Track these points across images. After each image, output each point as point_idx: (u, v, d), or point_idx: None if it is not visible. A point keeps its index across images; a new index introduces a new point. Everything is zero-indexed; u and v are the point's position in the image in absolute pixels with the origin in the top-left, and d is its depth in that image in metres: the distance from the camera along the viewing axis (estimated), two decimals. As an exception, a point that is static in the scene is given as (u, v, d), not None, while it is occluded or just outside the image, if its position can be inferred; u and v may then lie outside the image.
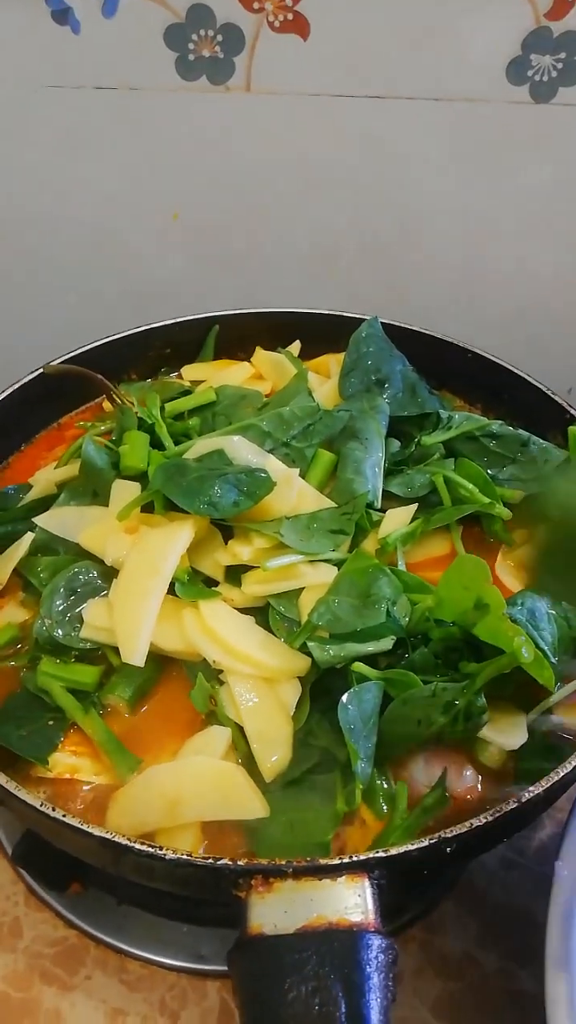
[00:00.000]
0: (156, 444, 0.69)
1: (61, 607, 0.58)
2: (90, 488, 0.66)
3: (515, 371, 0.79)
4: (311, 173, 0.95)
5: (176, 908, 0.63)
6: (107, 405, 0.81)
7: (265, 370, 0.84)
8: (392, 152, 0.92)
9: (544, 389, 0.77)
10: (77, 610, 0.58)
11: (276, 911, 0.43)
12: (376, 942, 0.41)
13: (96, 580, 0.59)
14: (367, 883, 0.44)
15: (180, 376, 0.86)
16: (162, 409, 0.74)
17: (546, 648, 0.54)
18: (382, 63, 0.87)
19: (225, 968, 0.60)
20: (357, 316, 0.85)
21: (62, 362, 0.79)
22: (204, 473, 0.61)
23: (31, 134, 0.92)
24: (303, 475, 0.67)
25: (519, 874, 0.66)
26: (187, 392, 0.79)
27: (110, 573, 0.59)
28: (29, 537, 0.63)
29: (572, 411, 0.74)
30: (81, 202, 0.97)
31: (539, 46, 0.84)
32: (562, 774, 0.48)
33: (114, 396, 0.78)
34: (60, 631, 0.57)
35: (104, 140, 0.93)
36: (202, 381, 0.82)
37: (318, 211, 0.97)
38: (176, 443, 0.70)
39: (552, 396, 0.76)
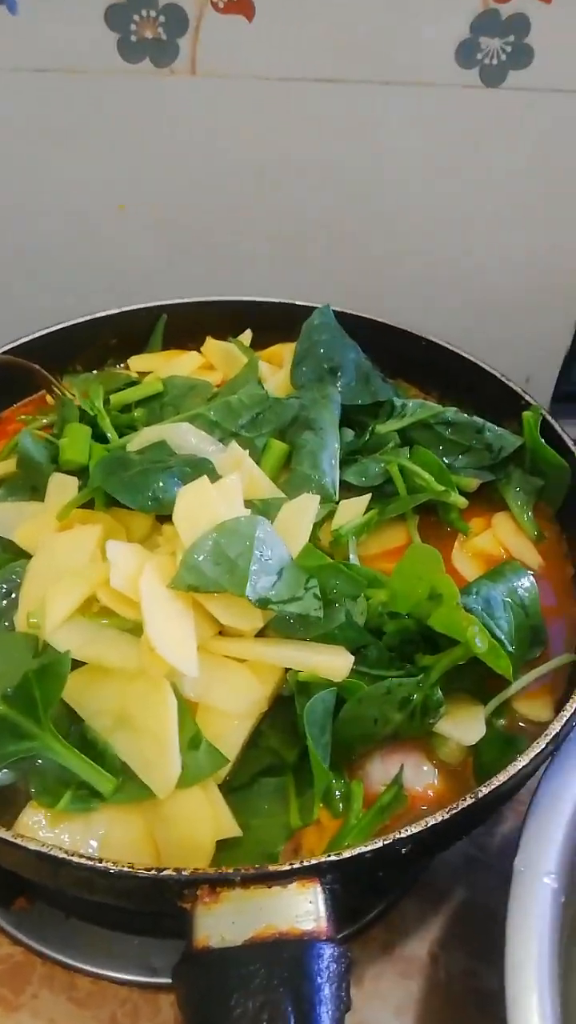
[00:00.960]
0: (100, 437, 0.67)
1: (-5, 609, 0.55)
2: (29, 483, 0.63)
3: (470, 359, 0.77)
4: (265, 158, 0.92)
5: (126, 920, 0.60)
6: (49, 398, 0.78)
7: (215, 360, 0.81)
8: (348, 137, 0.90)
9: (499, 376, 0.75)
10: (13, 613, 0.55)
11: (223, 922, 0.41)
12: (328, 951, 0.39)
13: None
14: (319, 888, 0.42)
15: (127, 367, 0.83)
16: (107, 401, 0.72)
17: (502, 637, 0.53)
18: (330, 45, 0.85)
19: (176, 980, 0.59)
20: (309, 304, 0.83)
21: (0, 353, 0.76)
22: (147, 466, 0.58)
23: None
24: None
25: (482, 871, 0.64)
26: (134, 383, 0.76)
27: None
28: None
29: (527, 398, 0.72)
30: (24, 189, 0.94)
31: (488, 28, 0.83)
32: (519, 767, 0.46)
33: (54, 388, 0.75)
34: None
35: (46, 125, 0.89)
36: (150, 372, 0.80)
37: (276, 198, 0.95)
38: (121, 435, 0.67)
39: (507, 383, 0.74)
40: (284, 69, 0.86)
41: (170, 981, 0.58)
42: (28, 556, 0.57)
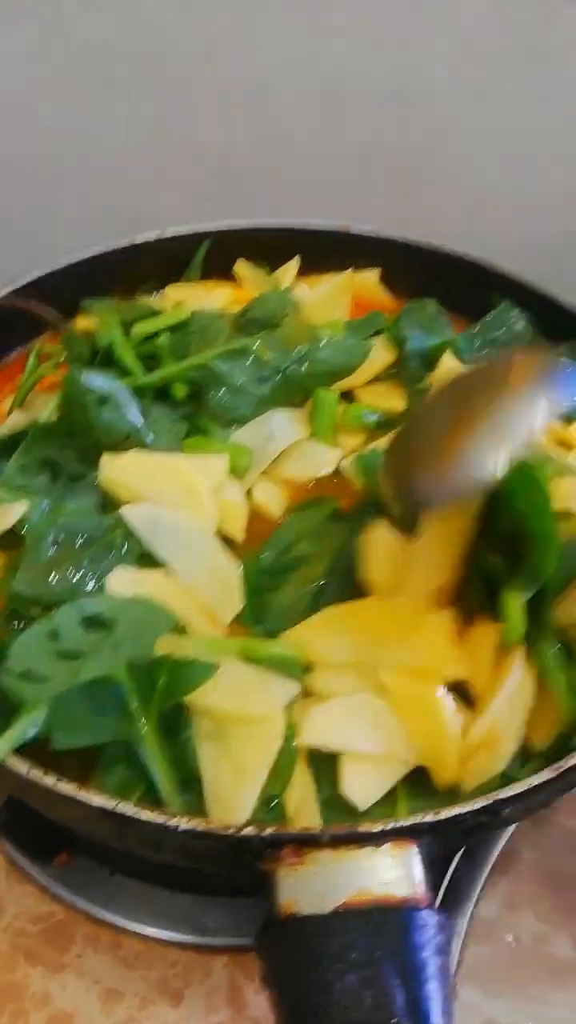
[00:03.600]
0: (121, 372, 0.61)
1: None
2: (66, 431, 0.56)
3: (541, 290, 0.72)
4: (310, 72, 0.85)
5: (176, 877, 0.57)
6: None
7: (250, 286, 0.75)
8: (402, 49, 0.83)
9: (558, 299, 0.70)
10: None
11: (312, 886, 0.37)
12: (432, 920, 0.35)
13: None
14: (414, 851, 0.38)
15: (164, 296, 0.77)
16: (128, 333, 0.66)
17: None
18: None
19: (232, 942, 0.56)
20: (362, 234, 0.78)
21: (35, 280, 0.70)
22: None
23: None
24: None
25: (550, 831, 0.61)
26: (156, 313, 0.68)
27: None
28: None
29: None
30: (52, 110, 0.87)
31: None
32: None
33: (58, 323, 0.68)
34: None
35: (79, 38, 0.82)
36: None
37: (319, 115, 0.88)
38: (147, 369, 0.62)
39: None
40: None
41: (223, 942, 0.56)
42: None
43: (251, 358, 0.61)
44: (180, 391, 0.60)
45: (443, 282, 0.73)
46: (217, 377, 0.60)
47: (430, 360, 0.66)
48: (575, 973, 0.55)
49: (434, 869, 0.53)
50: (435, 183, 0.93)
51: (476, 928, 0.55)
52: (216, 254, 0.78)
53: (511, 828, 0.58)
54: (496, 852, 0.56)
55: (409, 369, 0.67)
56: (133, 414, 0.56)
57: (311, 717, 0.43)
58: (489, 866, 0.56)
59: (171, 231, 0.77)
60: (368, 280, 0.76)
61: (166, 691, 0.41)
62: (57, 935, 0.56)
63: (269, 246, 0.78)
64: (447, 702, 0.44)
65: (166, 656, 0.42)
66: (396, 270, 0.77)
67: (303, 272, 0.77)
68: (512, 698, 0.44)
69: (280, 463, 0.59)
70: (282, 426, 0.60)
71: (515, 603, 0.44)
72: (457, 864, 0.56)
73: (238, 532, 0.53)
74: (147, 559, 0.50)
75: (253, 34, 0.83)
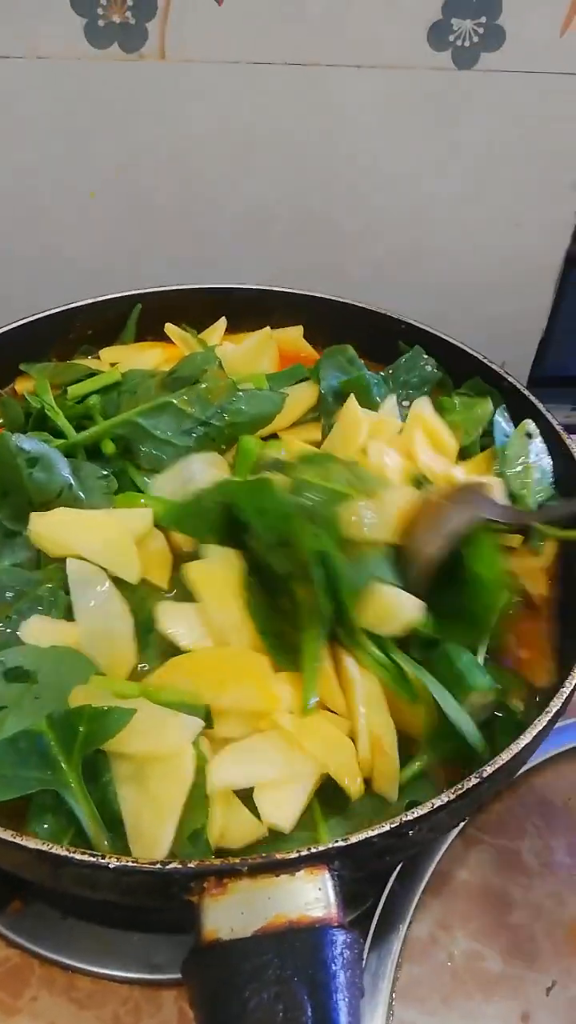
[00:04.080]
0: (54, 432, 0.66)
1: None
2: None
3: (451, 341, 0.77)
4: (236, 144, 0.91)
5: (125, 917, 0.59)
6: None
7: (182, 347, 0.79)
8: (320, 121, 0.90)
9: (480, 358, 0.75)
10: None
11: (232, 913, 0.40)
12: (340, 937, 0.39)
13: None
14: (327, 875, 0.41)
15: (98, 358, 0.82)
16: (65, 393, 0.70)
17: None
18: (302, 29, 0.84)
19: (180, 976, 0.58)
20: (287, 290, 0.83)
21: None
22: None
23: None
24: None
25: (480, 850, 0.64)
26: (93, 374, 0.73)
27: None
28: None
29: (510, 379, 0.73)
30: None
31: (460, 9, 0.83)
32: (524, 743, 0.46)
33: None
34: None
35: (14, 111, 0.87)
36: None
37: (246, 183, 0.94)
38: (78, 428, 0.66)
39: (488, 364, 0.75)
40: (255, 53, 0.85)
41: (171, 977, 0.58)
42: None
43: (174, 412, 0.65)
44: (109, 447, 0.65)
45: (356, 332, 0.79)
46: (143, 432, 0.64)
47: (343, 396, 0.71)
48: (505, 986, 0.58)
49: (368, 892, 0.57)
50: (352, 244, 0.99)
51: (410, 947, 0.58)
52: (148, 316, 0.82)
53: (442, 849, 0.61)
54: (429, 873, 0.60)
55: (327, 406, 0.72)
56: (64, 473, 0.60)
57: (214, 764, 0.46)
58: (422, 887, 0.59)
59: (104, 296, 0.81)
60: (292, 335, 0.82)
61: (87, 739, 0.44)
62: (12, 979, 0.58)
63: (198, 307, 0.83)
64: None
65: (84, 706, 0.45)
66: (316, 324, 0.82)
67: (230, 331, 0.82)
68: (366, 699, 0.49)
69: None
70: (200, 469, 0.63)
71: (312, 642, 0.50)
72: (392, 886, 0.59)
73: (163, 581, 0.57)
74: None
75: (196, 113, 0.89)
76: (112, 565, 0.55)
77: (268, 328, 0.79)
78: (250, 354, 0.76)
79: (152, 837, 0.44)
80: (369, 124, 0.91)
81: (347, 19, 0.83)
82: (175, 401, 0.65)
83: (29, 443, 0.59)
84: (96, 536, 0.56)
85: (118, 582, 0.55)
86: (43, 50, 0.84)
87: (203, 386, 0.66)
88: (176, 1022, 0.56)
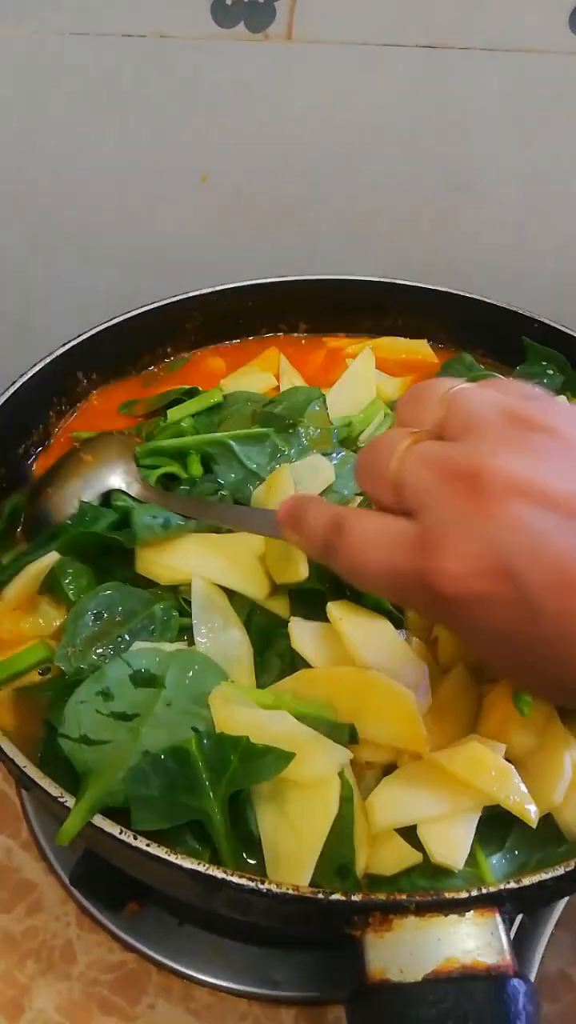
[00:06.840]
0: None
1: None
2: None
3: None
4: (356, 130, 0.88)
5: (244, 929, 0.58)
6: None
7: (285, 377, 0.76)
8: (447, 108, 0.86)
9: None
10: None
11: (400, 953, 0.38)
12: (523, 989, 0.36)
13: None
14: (498, 918, 0.39)
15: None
16: (165, 416, 0.68)
17: None
18: (436, 10, 0.80)
19: (302, 995, 0.57)
20: (407, 283, 0.80)
21: (91, 336, 0.73)
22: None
23: (53, 86, 0.84)
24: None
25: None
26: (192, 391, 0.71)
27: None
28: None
29: None
30: (106, 160, 0.90)
31: (607, -10, 0.78)
32: None
33: None
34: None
35: (131, 93, 0.85)
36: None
37: (364, 170, 0.90)
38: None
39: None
40: (385, 35, 0.82)
41: (291, 995, 0.57)
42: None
43: (271, 446, 0.63)
44: (196, 468, 0.63)
45: (481, 330, 0.77)
46: (232, 455, 0.62)
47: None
48: None
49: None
50: (468, 238, 0.95)
51: (541, 984, 0.55)
52: (259, 310, 0.81)
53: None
54: (561, 907, 0.57)
55: None
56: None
57: (376, 803, 0.43)
58: (554, 922, 0.56)
59: (218, 287, 0.79)
60: (417, 346, 0.80)
61: (237, 774, 0.42)
62: (129, 985, 0.57)
63: (310, 300, 0.81)
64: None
65: (242, 738, 0.42)
66: (438, 321, 0.80)
67: (348, 328, 0.81)
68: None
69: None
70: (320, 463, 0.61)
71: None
72: (521, 920, 0.56)
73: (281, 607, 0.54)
74: (186, 633, 0.52)
75: (320, 97, 0.86)
76: (239, 584, 0.53)
77: (375, 373, 0.74)
78: (353, 389, 0.71)
79: (292, 868, 0.42)
80: (497, 114, 0.87)
81: (486, 1, 0.79)
82: (274, 436, 0.63)
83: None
84: (217, 557, 0.54)
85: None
86: (167, 29, 0.82)
87: (309, 429, 0.64)
88: (296, 1041, 0.55)
